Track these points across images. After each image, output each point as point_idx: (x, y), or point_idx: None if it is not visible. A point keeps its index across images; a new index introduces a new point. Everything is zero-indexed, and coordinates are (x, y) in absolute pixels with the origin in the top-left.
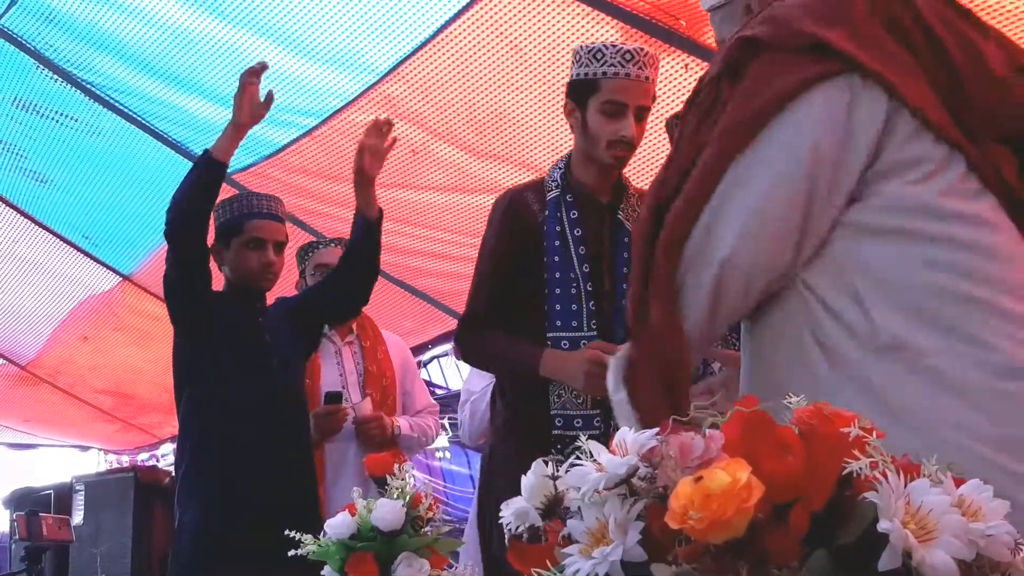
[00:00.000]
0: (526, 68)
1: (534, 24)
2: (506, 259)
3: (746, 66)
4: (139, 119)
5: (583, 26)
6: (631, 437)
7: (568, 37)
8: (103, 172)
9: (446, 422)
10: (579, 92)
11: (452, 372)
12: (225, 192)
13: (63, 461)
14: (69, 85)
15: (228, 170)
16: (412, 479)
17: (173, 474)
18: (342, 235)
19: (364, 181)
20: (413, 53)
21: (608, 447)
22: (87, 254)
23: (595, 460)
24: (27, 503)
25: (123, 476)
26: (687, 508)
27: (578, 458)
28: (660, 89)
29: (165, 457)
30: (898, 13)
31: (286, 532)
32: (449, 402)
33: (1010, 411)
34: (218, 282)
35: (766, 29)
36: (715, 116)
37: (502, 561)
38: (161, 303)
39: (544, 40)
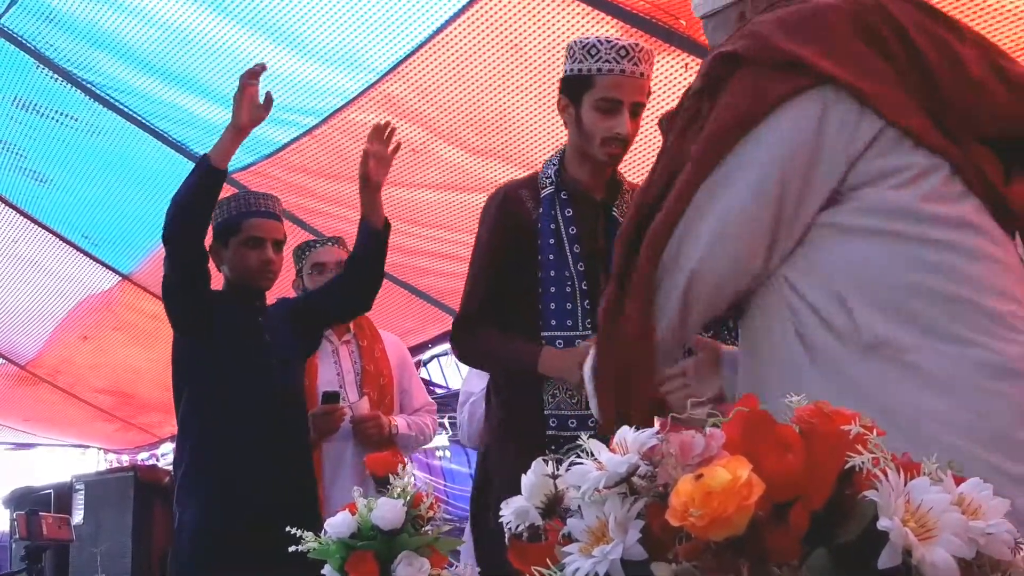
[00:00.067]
0: (526, 67)
1: (534, 23)
2: (500, 256)
3: (726, 81)
4: (139, 118)
5: (583, 25)
6: (631, 435)
7: (568, 36)
8: (103, 172)
9: (446, 421)
10: (573, 88)
11: (452, 371)
12: (225, 191)
13: (63, 460)
14: (69, 84)
15: (228, 169)
16: (413, 478)
17: (172, 473)
18: (342, 234)
19: (370, 187)
20: (413, 52)
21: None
22: (87, 254)
23: (595, 458)
24: (27, 502)
25: (123, 475)
26: (688, 506)
27: (578, 456)
28: (660, 89)
29: (165, 457)
30: (875, 23)
31: (287, 530)
32: (449, 401)
33: (999, 410)
34: (217, 282)
35: (744, 44)
36: (695, 129)
37: (496, 559)
38: (161, 302)
39: (544, 39)
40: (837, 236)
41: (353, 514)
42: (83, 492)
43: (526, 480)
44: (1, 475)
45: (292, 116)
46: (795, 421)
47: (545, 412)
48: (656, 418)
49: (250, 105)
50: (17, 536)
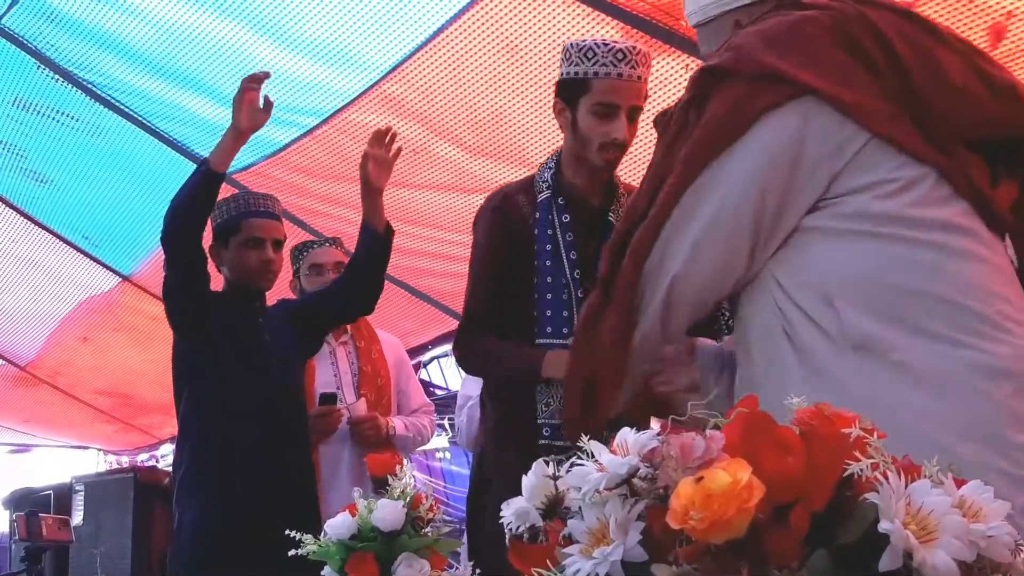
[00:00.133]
0: (526, 68)
1: (534, 24)
2: (499, 258)
3: (711, 93)
4: (140, 118)
5: (583, 26)
6: (632, 437)
7: (568, 37)
8: (103, 172)
9: (446, 423)
10: (569, 92)
11: (452, 373)
12: (225, 191)
13: (63, 462)
14: (70, 85)
15: (228, 171)
16: (412, 479)
17: (172, 474)
18: (343, 234)
19: (371, 191)
20: (414, 53)
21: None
22: (87, 254)
23: (596, 460)
24: (27, 503)
25: (123, 476)
26: (688, 508)
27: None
28: (661, 90)
29: (165, 457)
30: (856, 33)
31: (286, 532)
32: (449, 403)
33: (991, 410)
34: (217, 282)
35: (728, 58)
36: (682, 141)
37: (492, 560)
38: (161, 304)
39: (544, 40)
40: (823, 238)
41: (353, 515)
42: (83, 493)
43: (527, 481)
44: (1, 476)
45: (292, 116)
46: (795, 423)
47: (539, 421)
48: (655, 419)
49: (250, 109)
50: (17, 537)
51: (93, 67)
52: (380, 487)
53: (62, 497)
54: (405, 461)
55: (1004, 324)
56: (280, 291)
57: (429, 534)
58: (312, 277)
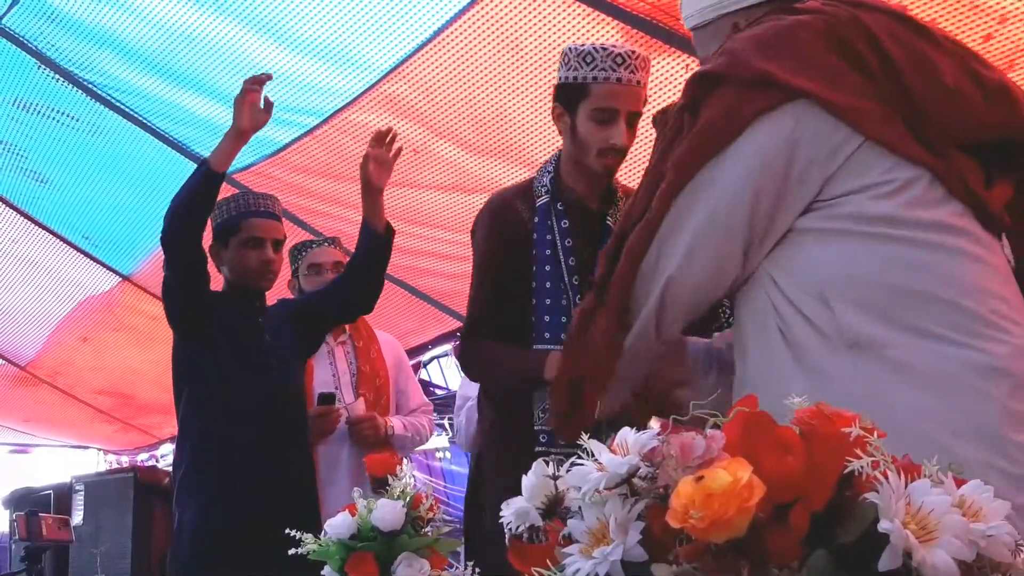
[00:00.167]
0: (527, 68)
1: (535, 24)
2: (498, 263)
3: (706, 98)
4: (140, 118)
5: (583, 26)
6: (632, 437)
7: (568, 37)
8: (103, 172)
9: (446, 422)
10: (568, 96)
11: (452, 373)
12: (225, 191)
13: (63, 461)
14: (70, 85)
15: (228, 170)
16: (413, 479)
17: (172, 474)
18: (343, 234)
19: (371, 191)
20: (414, 52)
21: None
22: (87, 254)
23: (596, 460)
24: (27, 503)
25: (123, 476)
26: (688, 507)
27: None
28: (662, 91)
29: (164, 457)
30: (849, 37)
31: (287, 532)
32: (449, 403)
33: (988, 409)
34: (217, 283)
35: (722, 63)
36: (677, 146)
37: (490, 560)
38: (161, 303)
39: (544, 40)
40: (817, 238)
41: (353, 515)
42: (83, 493)
43: (527, 481)
44: (1, 476)
45: (293, 116)
46: (795, 422)
47: (535, 428)
48: (655, 419)
49: (251, 110)
50: (17, 537)
51: (93, 67)
52: (380, 487)
53: (62, 497)
54: (405, 461)
55: (1000, 323)
56: (279, 291)
57: (429, 534)
58: (311, 277)
